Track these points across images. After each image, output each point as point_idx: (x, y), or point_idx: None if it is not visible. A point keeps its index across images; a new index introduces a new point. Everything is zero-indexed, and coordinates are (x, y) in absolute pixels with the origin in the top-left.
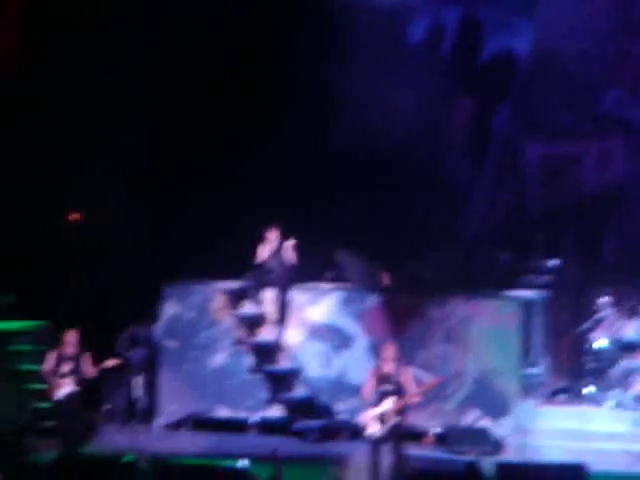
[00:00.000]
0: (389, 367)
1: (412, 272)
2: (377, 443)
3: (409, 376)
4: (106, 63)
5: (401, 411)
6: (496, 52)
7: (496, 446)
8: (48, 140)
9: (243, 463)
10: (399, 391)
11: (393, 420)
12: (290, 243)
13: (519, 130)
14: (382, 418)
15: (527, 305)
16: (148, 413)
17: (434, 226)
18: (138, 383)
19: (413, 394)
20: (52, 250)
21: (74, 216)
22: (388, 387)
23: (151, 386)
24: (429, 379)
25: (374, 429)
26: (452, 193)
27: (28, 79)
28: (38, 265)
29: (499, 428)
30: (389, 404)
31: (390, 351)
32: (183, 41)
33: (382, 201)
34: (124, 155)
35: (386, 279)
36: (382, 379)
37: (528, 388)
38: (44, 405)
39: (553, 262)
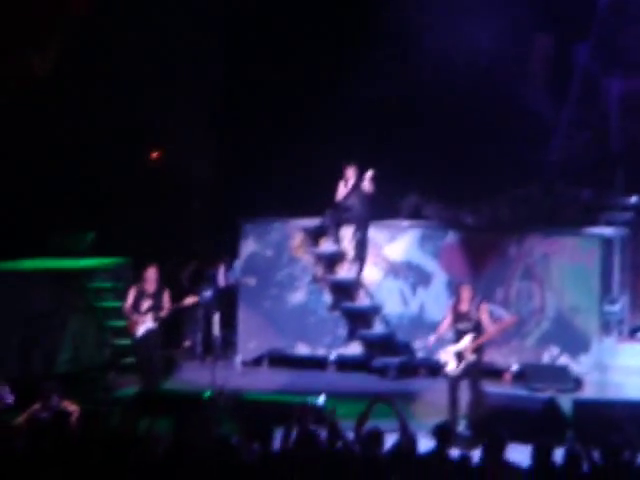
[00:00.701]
0: (466, 305)
1: (491, 209)
2: (455, 380)
3: (486, 314)
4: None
5: (478, 349)
6: None
7: (575, 383)
8: (129, 78)
9: (320, 400)
10: (476, 329)
11: (470, 358)
12: (368, 174)
13: (600, 65)
14: (460, 355)
15: (607, 242)
16: (227, 350)
17: (513, 163)
18: (216, 320)
19: (490, 332)
20: (132, 187)
21: (155, 152)
22: (466, 325)
23: (230, 323)
24: (507, 317)
25: (452, 366)
26: (532, 130)
27: (107, 17)
28: (118, 202)
29: (578, 365)
30: (466, 342)
31: (467, 289)
32: None
33: (461, 137)
34: (204, 92)
35: (465, 216)
36: (460, 317)
37: (608, 325)
38: (124, 342)
39: (633, 199)
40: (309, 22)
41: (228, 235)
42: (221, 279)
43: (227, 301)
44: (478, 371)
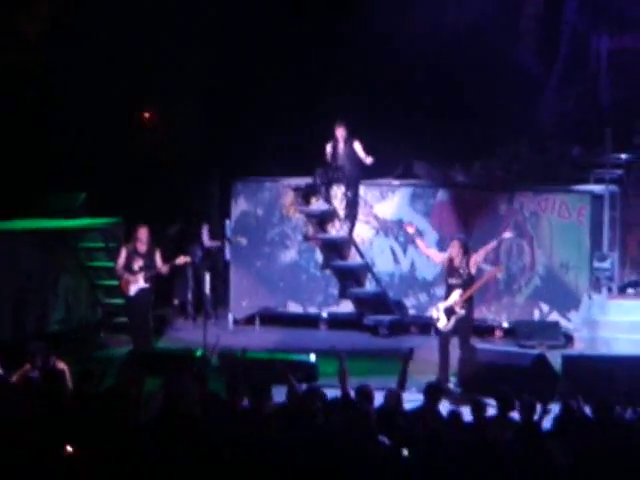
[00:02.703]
0: (457, 260)
1: (482, 166)
2: (446, 336)
3: (476, 265)
4: None
5: (467, 303)
6: None
7: (565, 339)
8: (118, 37)
9: (310, 357)
10: (466, 284)
11: (460, 312)
12: (358, 141)
13: (589, 23)
14: (450, 311)
15: (597, 199)
16: (218, 308)
17: (504, 121)
18: (207, 279)
19: (476, 285)
20: (123, 148)
21: (146, 113)
22: (456, 280)
23: (222, 282)
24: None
25: (443, 322)
26: (522, 87)
27: None
28: (109, 163)
29: (568, 322)
30: (456, 296)
31: (456, 244)
32: None
33: (451, 95)
34: (195, 51)
35: (456, 174)
36: (451, 271)
37: (597, 282)
38: (116, 301)
39: (623, 156)
40: None
41: (219, 194)
42: (205, 239)
43: (216, 261)
44: (468, 326)
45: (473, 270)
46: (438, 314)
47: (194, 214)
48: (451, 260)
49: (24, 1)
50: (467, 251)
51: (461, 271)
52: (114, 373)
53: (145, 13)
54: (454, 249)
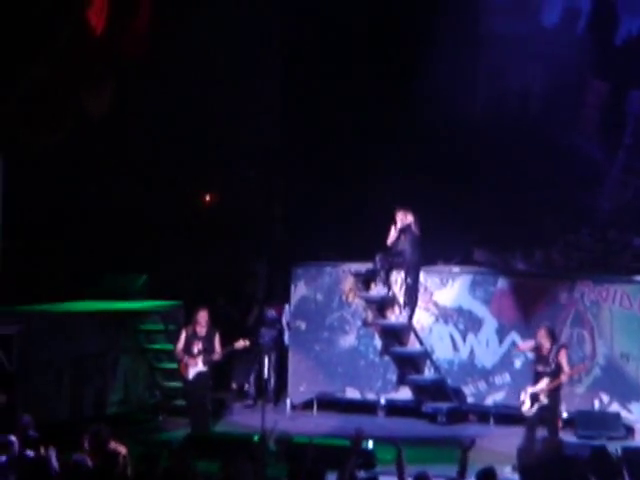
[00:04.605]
0: (546, 349)
1: (543, 254)
2: (531, 423)
3: (565, 358)
4: (239, 40)
5: (553, 393)
6: (631, 34)
7: (626, 431)
8: (185, 119)
9: (368, 445)
10: (554, 373)
11: (544, 401)
12: (417, 225)
13: None
14: (534, 397)
15: None
16: (278, 393)
17: (566, 209)
18: (267, 363)
19: (562, 378)
20: (185, 230)
21: (209, 197)
22: (544, 367)
23: (281, 366)
24: (579, 364)
25: (526, 406)
26: (584, 176)
27: (160, 60)
28: (171, 245)
29: (629, 413)
30: (542, 385)
31: (543, 334)
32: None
33: (513, 183)
34: (259, 135)
35: (517, 261)
36: (539, 359)
37: None
38: (175, 384)
39: None
40: (363, 65)
41: (281, 278)
42: (285, 319)
43: (278, 344)
44: (553, 417)
45: (563, 360)
46: (524, 397)
47: (257, 297)
48: (539, 348)
49: (88, 81)
50: (555, 339)
51: (549, 360)
52: (169, 456)
53: (210, 97)
54: (542, 337)
